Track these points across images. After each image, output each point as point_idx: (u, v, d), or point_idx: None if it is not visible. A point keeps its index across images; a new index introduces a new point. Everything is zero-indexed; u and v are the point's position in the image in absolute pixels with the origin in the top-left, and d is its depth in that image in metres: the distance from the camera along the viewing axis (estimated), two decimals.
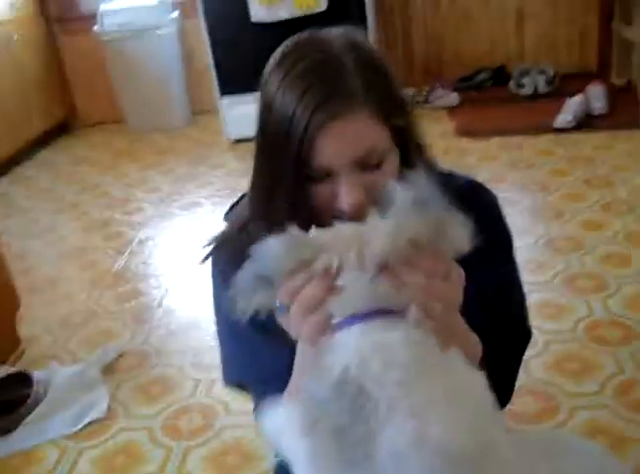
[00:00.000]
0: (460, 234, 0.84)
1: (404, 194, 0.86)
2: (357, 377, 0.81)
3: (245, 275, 0.85)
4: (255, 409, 1.28)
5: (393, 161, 1.03)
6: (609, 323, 2.22)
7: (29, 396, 2.20)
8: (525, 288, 1.26)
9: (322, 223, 0.92)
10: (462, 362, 0.87)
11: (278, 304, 0.88)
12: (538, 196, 3.16)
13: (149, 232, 3.40)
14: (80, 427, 2.11)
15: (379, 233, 0.85)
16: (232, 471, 1.85)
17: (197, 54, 4.88)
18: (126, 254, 3.19)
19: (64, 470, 1.95)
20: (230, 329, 1.22)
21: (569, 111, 3.88)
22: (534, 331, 2.11)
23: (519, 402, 1.92)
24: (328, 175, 0.99)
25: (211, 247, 1.23)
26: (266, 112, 1.01)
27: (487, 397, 0.87)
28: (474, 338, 1.05)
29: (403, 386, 0.80)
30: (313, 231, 0.90)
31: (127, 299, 2.80)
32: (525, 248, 2.66)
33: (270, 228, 0.91)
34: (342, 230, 0.89)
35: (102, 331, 2.60)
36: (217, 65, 4.24)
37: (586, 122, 3.89)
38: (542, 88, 4.41)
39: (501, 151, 3.74)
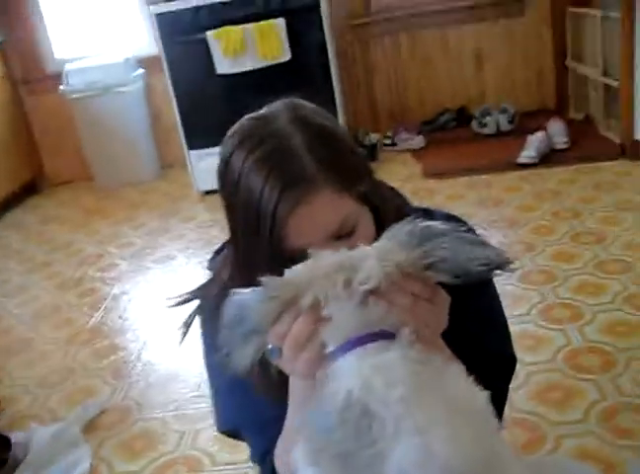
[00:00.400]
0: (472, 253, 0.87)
1: (391, 229, 0.90)
2: (360, 399, 0.81)
3: (231, 332, 0.88)
4: (251, 454, 1.28)
5: (366, 223, 1.05)
6: (588, 350, 2.24)
7: (7, 460, 2.15)
8: (512, 340, 1.29)
9: None
10: (463, 376, 0.89)
11: (270, 348, 0.90)
12: (508, 231, 3.21)
13: (124, 287, 3.38)
14: None
15: (367, 259, 0.87)
16: None
17: (163, 109, 4.92)
18: (101, 310, 3.16)
19: None
20: (222, 377, 1.22)
21: (532, 147, 3.97)
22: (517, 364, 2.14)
23: (506, 434, 1.92)
24: (302, 254, 0.99)
25: (193, 293, 1.25)
26: (230, 201, 1.04)
27: (488, 410, 0.88)
28: (458, 364, 1.07)
29: (406, 403, 0.81)
30: (287, 271, 0.92)
31: (105, 355, 2.77)
32: (500, 282, 2.67)
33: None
34: (320, 261, 0.91)
35: (81, 388, 2.57)
36: (184, 119, 4.28)
37: (549, 157, 3.98)
38: (504, 126, 4.51)
39: (468, 190, 3.81)
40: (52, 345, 2.94)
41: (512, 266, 0.88)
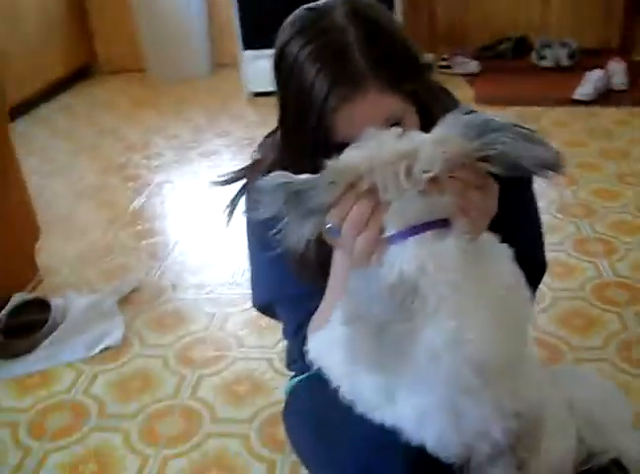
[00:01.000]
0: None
1: (449, 118, 0.92)
2: (412, 278, 0.87)
3: (290, 209, 0.91)
4: (283, 329, 1.34)
5: (411, 119, 1.08)
6: (616, 285, 2.26)
7: (46, 320, 2.26)
8: (545, 248, 1.31)
9: None
10: (508, 260, 0.94)
11: (329, 227, 0.94)
12: None
13: (167, 176, 3.44)
14: (96, 352, 2.17)
15: (426, 146, 0.89)
16: (243, 399, 1.91)
17: (221, 6, 4.88)
18: (144, 195, 3.24)
19: (79, 391, 2.01)
20: (262, 253, 1.26)
21: (589, 84, 3.90)
22: (543, 286, 2.18)
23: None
24: (349, 144, 1.02)
25: (240, 173, 1.29)
26: (284, 87, 1.07)
27: (526, 299, 0.94)
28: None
29: (453, 287, 0.86)
30: (349, 154, 0.95)
31: (144, 237, 2.85)
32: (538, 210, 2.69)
33: None
34: (381, 146, 0.93)
35: (118, 265, 2.66)
36: (241, 18, 4.24)
37: (605, 97, 3.90)
38: (564, 61, 4.41)
39: (518, 120, 3.74)
40: (94, 223, 3.03)
41: (563, 168, 0.91)
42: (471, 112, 1.25)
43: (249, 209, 1.29)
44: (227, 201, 1.27)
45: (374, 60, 1.02)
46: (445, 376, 0.86)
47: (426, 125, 1.09)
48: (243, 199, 1.27)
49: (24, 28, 4.42)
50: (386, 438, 0.99)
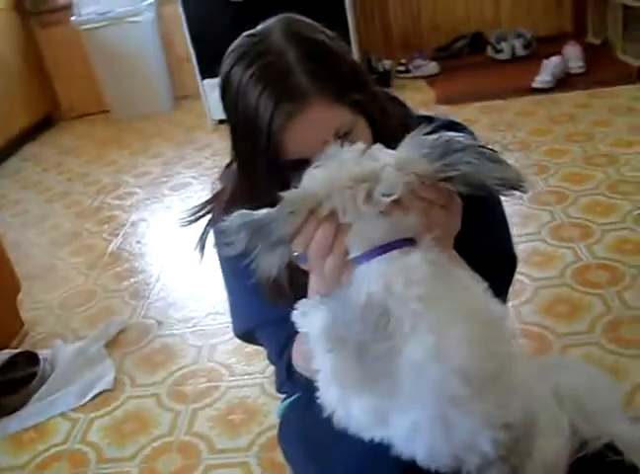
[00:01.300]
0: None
1: (412, 138, 0.93)
2: (381, 300, 0.87)
3: (255, 242, 0.91)
4: (268, 353, 1.34)
5: (362, 130, 1.08)
6: (596, 267, 2.28)
7: (35, 374, 2.25)
8: (513, 240, 1.33)
9: None
10: (475, 280, 0.94)
11: (296, 254, 0.95)
12: (521, 154, 3.22)
13: (141, 214, 3.44)
14: (88, 399, 2.16)
15: (387, 168, 0.90)
16: (239, 428, 1.91)
17: (176, 39, 4.90)
18: (120, 236, 3.24)
19: (76, 440, 2.00)
20: (237, 282, 1.28)
21: (547, 71, 3.94)
22: (524, 279, 2.20)
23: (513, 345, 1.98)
24: (304, 162, 1.02)
25: (203, 206, 1.29)
26: (231, 112, 1.08)
27: (503, 314, 0.94)
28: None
29: (424, 302, 0.86)
30: (306, 179, 0.96)
31: (125, 278, 2.85)
32: (511, 202, 2.71)
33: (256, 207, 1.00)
34: (343, 166, 0.94)
35: (102, 309, 2.65)
36: (196, 49, 4.26)
37: (564, 82, 3.95)
38: (520, 51, 4.47)
39: (482, 115, 3.80)
40: (73, 269, 3.02)
41: (526, 187, 0.91)
42: (423, 118, 1.28)
43: (218, 246, 1.29)
44: (196, 238, 1.28)
45: (316, 76, 1.03)
46: (432, 388, 0.85)
47: (376, 136, 1.11)
48: (212, 233, 1.28)
49: None
50: (378, 453, 0.99)
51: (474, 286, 0.92)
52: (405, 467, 0.97)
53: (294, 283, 1.17)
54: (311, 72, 1.03)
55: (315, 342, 0.98)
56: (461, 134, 0.93)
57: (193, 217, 1.29)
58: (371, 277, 0.90)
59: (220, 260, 1.30)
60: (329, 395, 0.97)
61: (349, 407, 0.95)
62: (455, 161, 0.90)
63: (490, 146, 0.94)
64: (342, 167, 0.93)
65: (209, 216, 1.28)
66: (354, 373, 0.91)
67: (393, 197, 0.89)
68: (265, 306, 1.24)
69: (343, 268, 0.93)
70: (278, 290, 1.18)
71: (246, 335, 1.39)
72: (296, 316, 1.04)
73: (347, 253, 0.93)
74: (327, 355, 0.95)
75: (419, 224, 0.91)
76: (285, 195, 0.91)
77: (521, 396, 0.93)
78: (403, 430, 0.90)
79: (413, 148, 0.93)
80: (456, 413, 0.86)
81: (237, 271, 1.23)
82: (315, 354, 0.99)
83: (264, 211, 0.92)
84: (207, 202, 1.30)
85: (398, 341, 0.86)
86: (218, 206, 1.24)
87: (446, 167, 0.90)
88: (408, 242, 0.92)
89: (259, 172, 1.08)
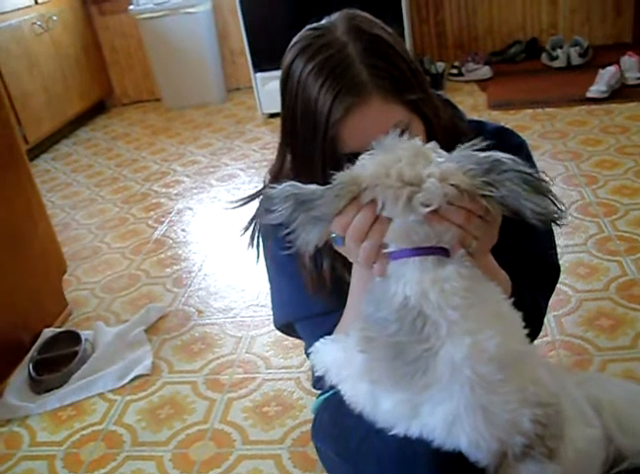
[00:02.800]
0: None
1: (462, 151, 0.96)
2: (417, 305, 0.92)
3: (300, 213, 0.95)
4: (306, 347, 1.35)
5: (416, 129, 1.10)
6: None
7: (77, 353, 2.29)
8: (559, 251, 1.32)
9: None
10: (500, 293, 1.00)
11: (333, 235, 0.98)
12: (570, 164, 3.18)
13: (187, 202, 3.48)
14: (126, 382, 2.19)
15: (430, 179, 0.92)
16: (273, 420, 1.92)
17: (231, 31, 4.95)
18: (166, 223, 3.28)
19: (112, 421, 2.04)
20: (281, 271, 1.31)
21: (602, 81, 3.88)
22: (567, 290, 2.17)
23: (553, 355, 1.97)
24: (358, 156, 1.05)
25: (253, 196, 1.31)
26: (291, 102, 1.10)
27: (520, 322, 1.00)
28: (504, 275, 1.13)
29: (459, 310, 0.92)
30: (356, 167, 0.98)
31: (168, 265, 2.88)
32: None
33: None
34: (394, 165, 0.96)
35: (144, 294, 2.69)
36: (251, 41, 4.29)
37: (620, 93, 3.88)
38: (575, 60, 4.40)
39: (533, 122, 3.75)
40: (118, 254, 3.07)
41: (563, 221, 0.95)
42: (474, 123, 1.28)
43: (260, 215, 1.30)
44: (243, 227, 1.30)
45: (376, 71, 1.05)
46: (469, 379, 0.90)
47: (429, 136, 1.11)
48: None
49: (40, 67, 4.51)
50: (411, 450, 1.00)
51: (499, 297, 0.99)
52: (439, 460, 0.98)
53: (335, 275, 1.19)
54: (371, 67, 1.05)
55: (348, 344, 1.01)
56: (512, 157, 0.94)
57: (240, 202, 1.31)
58: (407, 280, 0.94)
59: (265, 248, 1.32)
60: (358, 391, 1.00)
61: (378, 402, 0.98)
62: (496, 181, 0.92)
63: (540, 175, 0.95)
64: (394, 162, 0.95)
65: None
66: (387, 371, 0.95)
67: (431, 209, 0.92)
68: (306, 300, 1.27)
69: (375, 255, 0.96)
70: (318, 280, 1.20)
71: (286, 327, 1.41)
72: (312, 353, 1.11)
73: (382, 244, 0.96)
74: (359, 356, 0.97)
75: (455, 237, 0.95)
76: (336, 175, 0.95)
77: (546, 379, 0.99)
78: (441, 420, 0.93)
79: (461, 160, 0.95)
80: (494, 396, 0.92)
81: (280, 260, 1.26)
82: (345, 358, 1.02)
83: (313, 187, 0.96)
84: (258, 193, 1.32)
85: (434, 342, 0.91)
86: None
87: (487, 185, 0.92)
88: (443, 251, 0.96)
89: (314, 163, 1.10)
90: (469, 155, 0.94)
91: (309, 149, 1.10)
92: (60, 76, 4.73)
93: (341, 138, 1.06)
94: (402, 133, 1.04)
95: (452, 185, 0.92)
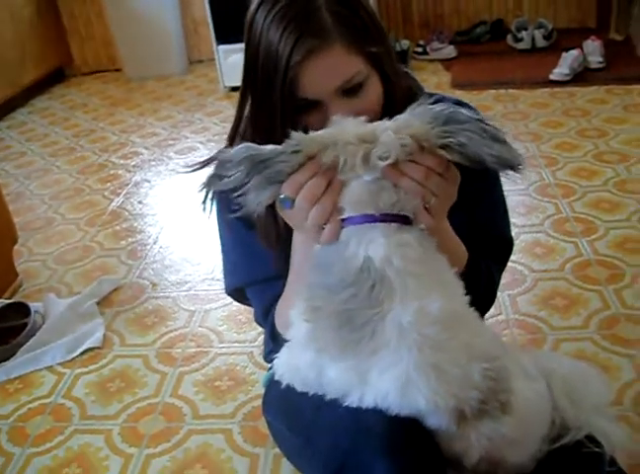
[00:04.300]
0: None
1: (417, 107, 0.96)
2: (380, 268, 0.91)
3: (254, 178, 0.93)
4: (255, 313, 1.35)
5: (374, 85, 1.11)
6: (597, 263, 2.26)
7: (26, 325, 2.24)
8: (516, 230, 1.32)
9: None
10: (447, 263, 1.00)
11: (282, 197, 0.95)
12: (532, 145, 3.18)
13: (145, 175, 3.42)
14: (76, 355, 2.15)
15: (385, 132, 0.91)
16: (224, 394, 1.90)
17: (193, 2, 4.85)
18: (122, 195, 3.21)
19: (60, 394, 2.00)
20: (231, 235, 1.30)
21: (565, 64, 3.89)
22: (523, 269, 2.18)
23: (507, 334, 1.97)
24: (315, 104, 1.08)
25: (210, 159, 1.27)
26: (253, 50, 1.09)
27: (463, 291, 1.01)
28: (461, 247, 1.12)
29: (416, 278, 0.92)
30: (312, 132, 0.97)
31: (123, 237, 2.83)
32: (517, 192, 2.69)
33: None
34: (347, 128, 0.95)
35: (98, 266, 2.64)
36: (214, 13, 4.21)
37: (582, 76, 3.90)
38: (540, 42, 4.41)
39: (495, 102, 3.76)
40: (72, 225, 3.00)
41: (522, 168, 0.94)
42: (430, 95, 1.26)
43: (213, 182, 1.27)
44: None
45: (340, 19, 1.05)
46: (417, 341, 0.90)
47: (387, 99, 1.12)
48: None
49: None
50: (365, 420, 0.98)
51: (446, 267, 0.99)
52: (392, 429, 0.97)
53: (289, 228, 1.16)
54: (336, 14, 1.05)
55: (292, 314, 1.00)
56: (467, 110, 0.95)
57: (195, 167, 1.28)
58: (370, 243, 0.93)
59: (218, 212, 1.29)
60: (302, 360, 0.98)
61: (324, 370, 0.97)
62: (456, 130, 0.92)
63: (495, 124, 0.93)
64: (345, 127, 0.96)
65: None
66: (334, 339, 0.94)
67: (389, 161, 0.91)
68: (254, 264, 1.27)
69: (326, 220, 0.95)
70: (273, 233, 1.19)
71: (236, 293, 1.39)
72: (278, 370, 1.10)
73: (335, 209, 0.95)
74: (302, 324, 0.96)
75: (416, 205, 0.95)
76: (294, 134, 0.94)
77: (488, 339, 1.02)
78: (393, 384, 0.92)
79: (416, 116, 0.94)
80: (443, 354, 0.92)
81: (232, 225, 1.24)
82: (293, 322, 1.00)
83: (269, 147, 0.94)
84: (213, 158, 1.28)
85: (385, 307, 0.91)
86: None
87: (446, 134, 0.92)
88: (405, 219, 0.95)
89: (273, 113, 1.08)
90: (425, 110, 0.95)
91: (268, 94, 1.08)
92: (15, 41, 4.57)
93: (300, 82, 1.06)
94: (358, 87, 1.07)
95: (410, 136, 0.91)
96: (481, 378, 0.93)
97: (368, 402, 0.96)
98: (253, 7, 1.08)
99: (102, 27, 5.04)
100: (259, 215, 1.03)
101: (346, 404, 0.98)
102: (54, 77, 5.11)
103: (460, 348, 0.93)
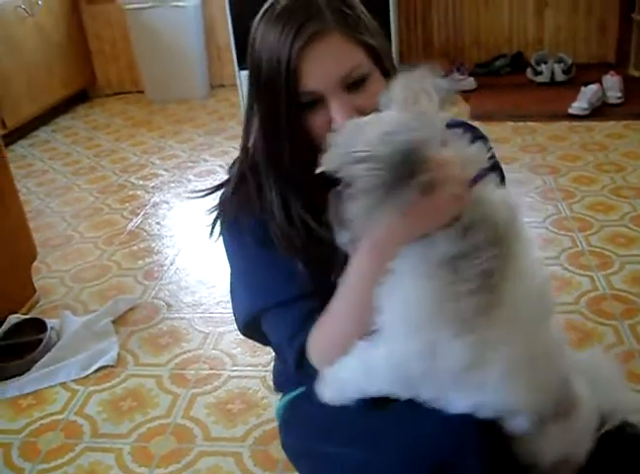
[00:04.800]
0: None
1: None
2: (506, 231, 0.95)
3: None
4: (275, 339, 1.23)
5: (377, 81, 1.13)
6: (612, 298, 2.26)
7: (41, 341, 2.26)
8: None
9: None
10: None
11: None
12: (549, 178, 3.19)
13: (164, 196, 3.45)
14: (90, 372, 2.16)
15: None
16: (236, 417, 1.91)
17: (218, 26, 4.92)
18: (141, 215, 3.25)
19: (72, 411, 2.01)
20: (245, 259, 1.25)
21: (584, 98, 3.91)
22: None
23: None
24: (318, 102, 1.10)
25: (217, 187, 1.31)
26: (257, 55, 1.11)
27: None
28: None
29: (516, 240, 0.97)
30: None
31: (140, 257, 2.85)
32: (534, 224, 2.70)
33: (273, 166, 1.14)
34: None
35: (114, 285, 2.66)
36: (237, 39, 4.27)
37: (601, 111, 3.91)
38: (559, 76, 4.43)
39: (514, 135, 3.77)
40: (90, 243, 3.03)
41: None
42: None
43: (231, 235, 1.26)
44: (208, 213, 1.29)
45: (339, 13, 1.09)
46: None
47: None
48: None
49: (23, 51, 4.45)
50: (451, 421, 0.98)
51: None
52: (483, 429, 0.97)
53: (312, 238, 1.16)
54: (335, 9, 1.09)
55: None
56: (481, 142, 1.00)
57: (205, 193, 1.32)
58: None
59: (228, 238, 1.26)
60: (410, 347, 0.95)
61: (440, 353, 0.94)
62: None
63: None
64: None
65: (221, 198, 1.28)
66: (467, 305, 0.92)
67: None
68: (276, 283, 1.20)
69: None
70: (295, 238, 1.16)
71: (253, 324, 1.28)
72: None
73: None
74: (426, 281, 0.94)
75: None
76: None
77: None
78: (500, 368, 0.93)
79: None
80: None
81: (247, 245, 1.21)
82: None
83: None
84: (219, 185, 1.30)
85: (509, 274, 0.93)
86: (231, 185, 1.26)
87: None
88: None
89: (277, 108, 1.09)
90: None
91: (272, 92, 1.09)
92: (43, 62, 4.67)
93: (303, 72, 1.07)
94: (361, 82, 1.09)
95: None
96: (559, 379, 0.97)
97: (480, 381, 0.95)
98: (256, 20, 1.12)
99: (126, 49, 5.12)
100: (279, 224, 1.06)
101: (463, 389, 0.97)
102: (79, 97, 5.20)
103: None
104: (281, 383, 1.45)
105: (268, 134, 1.14)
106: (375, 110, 1.02)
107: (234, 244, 1.25)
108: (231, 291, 1.35)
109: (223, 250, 1.28)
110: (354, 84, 1.09)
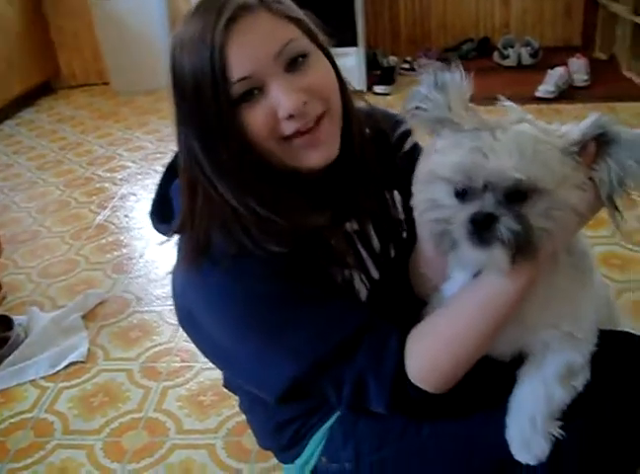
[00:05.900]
0: None
1: None
2: None
3: None
4: (343, 397, 1.04)
5: (321, 61, 1.03)
6: None
7: (8, 338, 2.22)
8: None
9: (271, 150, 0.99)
10: None
11: None
12: None
13: (132, 188, 3.41)
14: (59, 368, 2.13)
15: None
16: (208, 409, 1.89)
17: (182, 16, 4.85)
18: (108, 208, 3.20)
19: (43, 408, 1.98)
20: (303, 303, 1.04)
21: (551, 82, 3.92)
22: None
23: None
24: (257, 92, 0.98)
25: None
26: (179, 64, 1.00)
27: None
28: None
29: None
30: None
31: (109, 251, 2.82)
32: None
33: (238, 182, 1.00)
34: None
35: (83, 280, 2.62)
36: None
37: (568, 94, 3.93)
38: (526, 60, 4.45)
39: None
40: (58, 238, 2.98)
41: None
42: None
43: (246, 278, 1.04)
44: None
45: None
46: None
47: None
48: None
49: None
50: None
51: None
52: None
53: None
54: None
55: None
56: None
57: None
58: None
59: (242, 286, 1.03)
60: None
61: None
62: None
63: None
64: None
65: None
66: None
67: None
68: (341, 313, 1.03)
69: None
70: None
71: (304, 381, 1.04)
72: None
73: None
74: None
75: None
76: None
77: None
78: None
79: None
80: None
81: (301, 293, 1.03)
82: None
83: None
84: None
85: None
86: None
87: None
88: None
89: (209, 110, 0.97)
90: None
91: (201, 94, 0.97)
92: (3, 54, 4.57)
93: (231, 57, 0.95)
94: (301, 59, 0.99)
95: None
96: None
97: None
98: (172, 34, 1.02)
99: (90, 40, 5.03)
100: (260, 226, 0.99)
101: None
102: (42, 90, 5.11)
103: None
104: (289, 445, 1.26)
105: (207, 148, 1.01)
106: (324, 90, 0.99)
107: (249, 295, 1.04)
108: (239, 363, 1.10)
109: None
110: (293, 62, 0.99)
